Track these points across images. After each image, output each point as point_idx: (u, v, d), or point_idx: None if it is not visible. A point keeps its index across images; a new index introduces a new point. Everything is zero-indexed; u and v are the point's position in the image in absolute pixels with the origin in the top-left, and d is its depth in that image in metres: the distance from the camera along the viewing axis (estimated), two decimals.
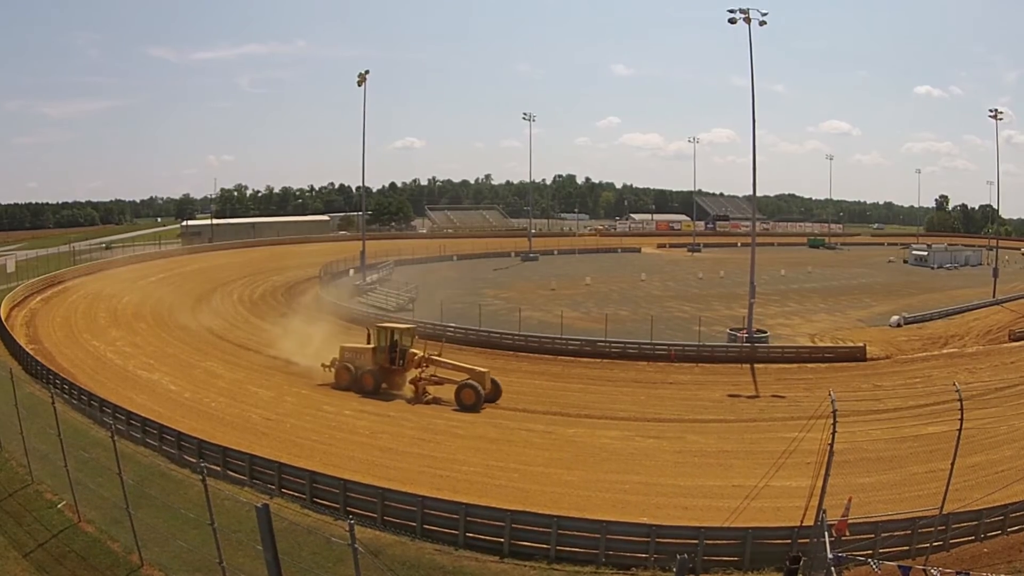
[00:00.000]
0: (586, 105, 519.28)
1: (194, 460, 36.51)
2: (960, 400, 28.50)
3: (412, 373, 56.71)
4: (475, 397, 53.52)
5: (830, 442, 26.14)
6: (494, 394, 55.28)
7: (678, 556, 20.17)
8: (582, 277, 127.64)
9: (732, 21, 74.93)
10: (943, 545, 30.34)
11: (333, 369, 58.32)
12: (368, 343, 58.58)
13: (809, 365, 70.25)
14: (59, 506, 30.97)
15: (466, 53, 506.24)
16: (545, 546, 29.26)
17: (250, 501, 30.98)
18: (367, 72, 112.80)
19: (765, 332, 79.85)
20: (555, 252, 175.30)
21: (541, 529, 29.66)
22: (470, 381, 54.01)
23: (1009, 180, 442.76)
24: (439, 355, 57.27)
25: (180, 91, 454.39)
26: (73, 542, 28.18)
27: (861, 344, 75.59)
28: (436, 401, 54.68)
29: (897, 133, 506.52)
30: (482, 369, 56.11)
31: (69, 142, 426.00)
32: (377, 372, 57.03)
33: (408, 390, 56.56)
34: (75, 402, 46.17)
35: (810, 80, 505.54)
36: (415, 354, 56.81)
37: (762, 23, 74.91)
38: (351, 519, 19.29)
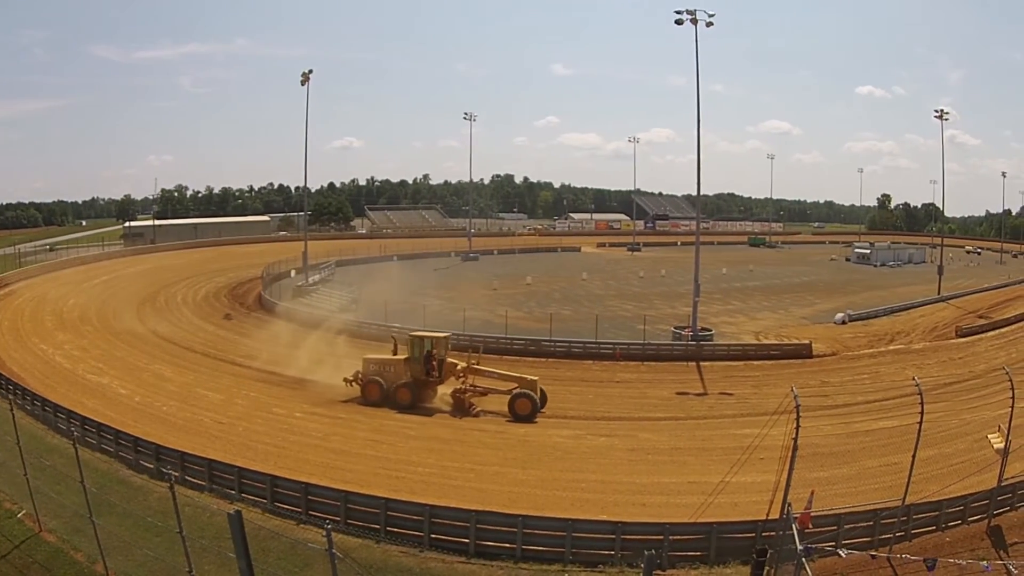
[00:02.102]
0: (525, 105, 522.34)
1: (151, 466, 36.39)
2: (920, 393, 29.01)
3: (452, 384, 54.48)
4: (531, 406, 51.70)
5: (794, 436, 26.46)
6: (540, 402, 53.23)
7: (645, 552, 20.19)
8: (523, 277, 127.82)
9: (679, 22, 75.06)
10: (905, 535, 30.95)
11: (356, 384, 54.91)
12: (394, 354, 55.55)
13: (755, 363, 70.92)
14: (19, 515, 30.50)
15: (405, 53, 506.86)
16: (511, 545, 29.43)
17: (210, 506, 31.03)
18: (311, 71, 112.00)
19: (710, 330, 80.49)
20: (495, 252, 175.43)
21: (506, 529, 29.81)
22: (525, 390, 52.22)
23: (952, 179, 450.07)
24: (477, 364, 54.67)
25: (123, 91, 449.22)
26: (35, 552, 27.82)
27: (807, 341, 76.56)
28: (485, 413, 52.99)
29: (838, 133, 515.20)
30: (532, 377, 54.13)
31: (12, 142, 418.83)
32: (413, 385, 53.84)
33: (444, 402, 54.24)
34: (29, 408, 45.50)
35: (750, 80, 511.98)
36: (455, 364, 54.40)
37: (709, 24, 75.52)
38: (328, 524, 19.25)
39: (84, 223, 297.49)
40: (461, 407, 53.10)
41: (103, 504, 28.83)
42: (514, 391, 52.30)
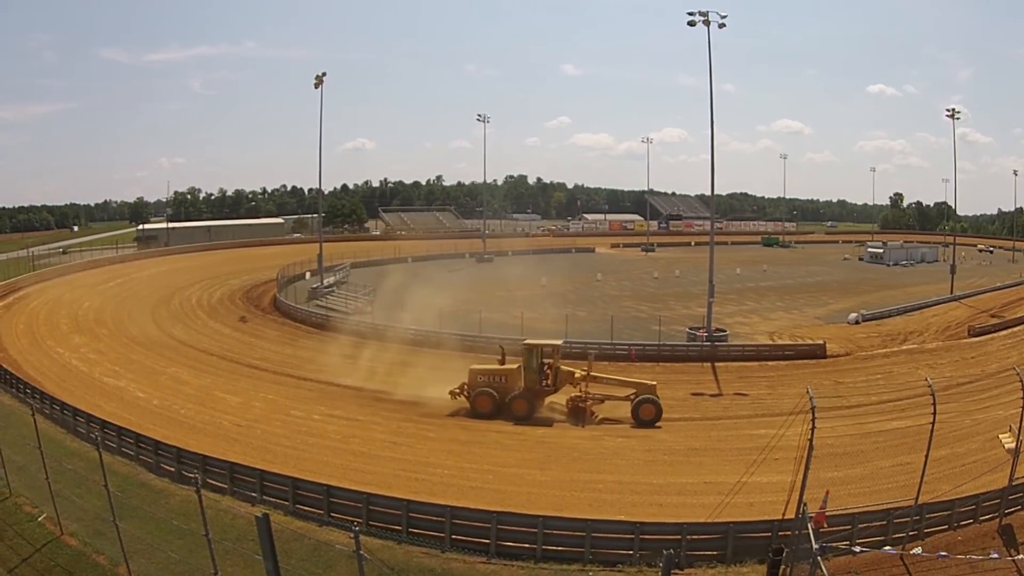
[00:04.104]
0: (536, 105, 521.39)
1: (173, 469, 36.75)
2: (932, 395, 29.22)
3: (570, 392, 53.24)
4: (656, 411, 51.02)
5: (809, 437, 26.65)
6: None
7: (664, 551, 20.49)
8: (537, 278, 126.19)
9: (691, 24, 74.78)
10: (918, 535, 31.12)
11: (463, 396, 53.09)
12: (502, 363, 53.90)
13: (770, 363, 70.78)
14: (40, 519, 30.78)
15: (415, 54, 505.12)
16: (531, 546, 29.76)
17: (232, 509, 31.34)
18: (324, 74, 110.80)
19: (724, 331, 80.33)
20: (509, 253, 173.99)
21: (527, 529, 30.14)
22: (649, 395, 51.59)
23: (963, 177, 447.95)
24: (590, 370, 53.16)
25: (132, 93, 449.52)
26: (58, 556, 28.06)
27: (821, 341, 76.23)
28: (606, 421, 52.22)
29: (850, 131, 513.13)
30: (650, 382, 53.73)
31: (23, 145, 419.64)
32: (529, 395, 52.35)
33: (550, 410, 53.24)
34: (48, 411, 45.82)
35: (760, 79, 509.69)
36: (571, 372, 53.01)
37: (721, 25, 75.31)
38: (356, 527, 19.46)
39: (76, 228, 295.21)
40: (581, 416, 52.13)
41: (125, 507, 29.13)
42: (638, 396, 51.59)
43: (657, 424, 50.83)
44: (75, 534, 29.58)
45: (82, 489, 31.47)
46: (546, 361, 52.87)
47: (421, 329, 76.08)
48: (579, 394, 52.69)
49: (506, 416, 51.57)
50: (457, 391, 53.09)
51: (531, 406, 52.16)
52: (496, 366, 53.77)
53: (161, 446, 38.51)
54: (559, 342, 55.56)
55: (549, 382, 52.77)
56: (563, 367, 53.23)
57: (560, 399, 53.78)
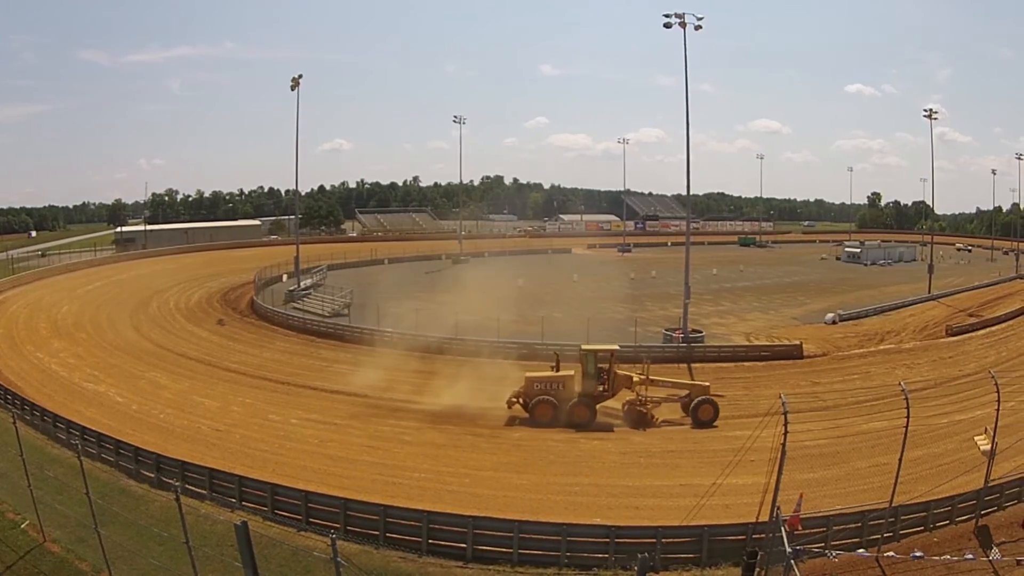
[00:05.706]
0: (514, 106, 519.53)
1: (152, 475, 36.81)
2: (906, 398, 29.57)
3: (626, 396, 53.48)
4: (714, 411, 51.87)
5: (782, 442, 26.94)
6: None
7: (639, 555, 20.74)
8: (514, 279, 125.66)
9: (667, 26, 75.43)
10: (894, 536, 31.60)
11: (519, 403, 52.62)
12: (556, 369, 53.78)
13: (746, 364, 71.01)
14: (22, 526, 30.90)
15: (393, 55, 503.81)
16: (507, 550, 30.08)
17: (211, 515, 31.43)
18: (300, 76, 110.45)
19: (701, 332, 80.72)
20: (485, 254, 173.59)
21: (503, 533, 30.45)
22: (707, 396, 52.38)
23: (942, 177, 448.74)
24: (647, 374, 52.89)
25: (112, 95, 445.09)
26: (41, 563, 28.19)
27: (797, 342, 76.58)
28: (666, 423, 52.42)
29: (828, 131, 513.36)
30: (704, 383, 54.82)
31: (2, 147, 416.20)
32: (589, 401, 52.04)
33: (603, 415, 52.82)
34: (28, 418, 45.70)
35: (738, 79, 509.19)
36: (629, 376, 53.04)
37: (697, 27, 76.02)
38: (333, 534, 19.70)
39: (34, 234, 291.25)
40: (641, 420, 52.13)
41: (106, 514, 29.14)
42: (697, 398, 52.18)
43: (715, 424, 51.44)
44: (58, 541, 29.75)
45: (64, 496, 31.52)
46: (602, 366, 52.87)
47: (397, 331, 75.87)
48: (635, 398, 52.93)
49: (564, 423, 51.22)
50: (514, 400, 52.72)
51: (592, 412, 51.95)
52: (553, 373, 53.43)
53: (141, 452, 38.63)
54: (615, 347, 55.61)
55: (606, 387, 52.90)
56: (619, 371, 53.29)
57: (614, 404, 53.93)
